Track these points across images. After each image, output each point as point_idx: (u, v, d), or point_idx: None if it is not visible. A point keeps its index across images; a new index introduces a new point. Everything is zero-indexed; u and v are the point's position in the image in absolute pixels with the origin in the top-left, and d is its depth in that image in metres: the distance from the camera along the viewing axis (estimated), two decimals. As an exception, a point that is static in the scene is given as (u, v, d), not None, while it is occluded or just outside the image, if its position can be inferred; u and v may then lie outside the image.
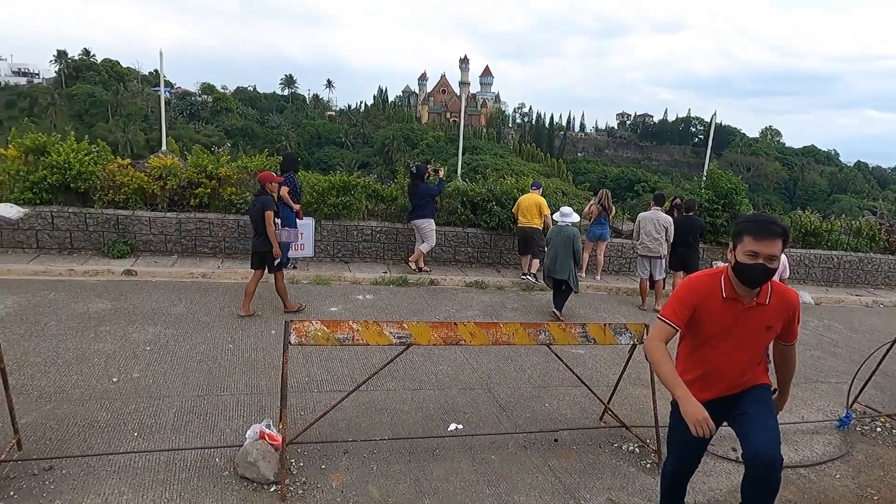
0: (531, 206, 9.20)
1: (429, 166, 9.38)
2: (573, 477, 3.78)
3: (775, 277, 6.26)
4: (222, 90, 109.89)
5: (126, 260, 8.12)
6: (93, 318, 5.92)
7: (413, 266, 9.05)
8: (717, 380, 2.79)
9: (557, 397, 5.01)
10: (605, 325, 4.05)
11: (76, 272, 7.51)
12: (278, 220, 6.48)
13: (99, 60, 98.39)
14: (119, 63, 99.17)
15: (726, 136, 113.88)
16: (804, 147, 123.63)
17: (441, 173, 9.43)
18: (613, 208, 9.96)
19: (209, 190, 8.72)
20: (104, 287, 7.09)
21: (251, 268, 6.57)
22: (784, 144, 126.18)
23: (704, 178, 11.72)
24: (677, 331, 2.71)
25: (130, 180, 8.44)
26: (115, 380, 4.59)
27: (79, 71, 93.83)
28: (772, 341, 2.85)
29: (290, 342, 3.41)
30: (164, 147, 12.90)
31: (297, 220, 7.85)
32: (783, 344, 2.85)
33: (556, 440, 4.22)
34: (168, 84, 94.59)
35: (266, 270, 6.49)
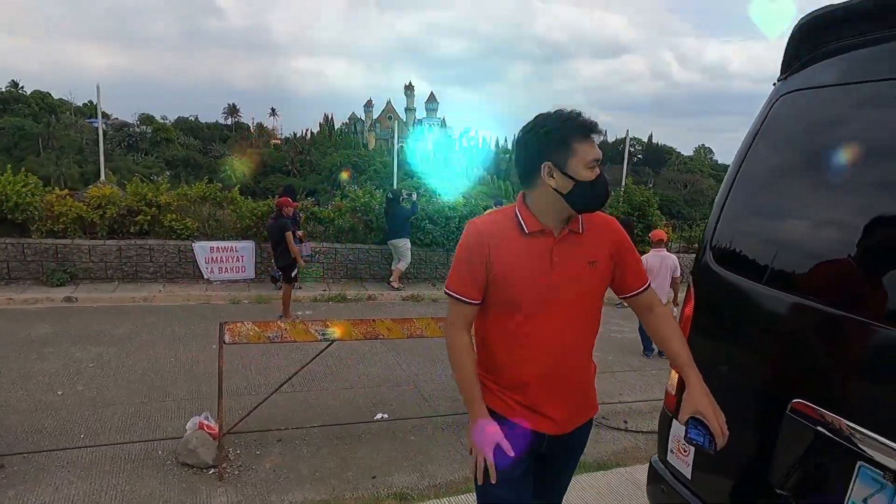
0: None
1: (403, 191, 10.42)
2: (482, 449, 4.33)
3: (668, 275, 6.93)
4: (162, 120, 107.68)
5: (66, 288, 8.28)
6: (35, 342, 6.14)
7: (396, 285, 9.81)
8: (540, 366, 1.80)
9: (477, 388, 5.57)
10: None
11: (15, 300, 7.64)
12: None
13: (28, 92, 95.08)
14: (50, 95, 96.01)
15: (663, 155, 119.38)
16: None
17: (414, 197, 10.53)
18: None
19: (149, 217, 9.00)
20: (45, 313, 7.27)
21: (283, 282, 7.86)
22: (717, 161, 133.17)
23: (621, 193, 12.75)
24: (474, 304, 1.83)
25: (69, 210, 8.64)
26: (59, 393, 4.88)
27: (6, 104, 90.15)
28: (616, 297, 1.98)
29: (224, 341, 3.85)
30: (102, 177, 13.01)
31: (300, 242, 8.53)
32: (637, 291, 1.91)
33: (470, 422, 4.77)
34: (104, 115, 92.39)
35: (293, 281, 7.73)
